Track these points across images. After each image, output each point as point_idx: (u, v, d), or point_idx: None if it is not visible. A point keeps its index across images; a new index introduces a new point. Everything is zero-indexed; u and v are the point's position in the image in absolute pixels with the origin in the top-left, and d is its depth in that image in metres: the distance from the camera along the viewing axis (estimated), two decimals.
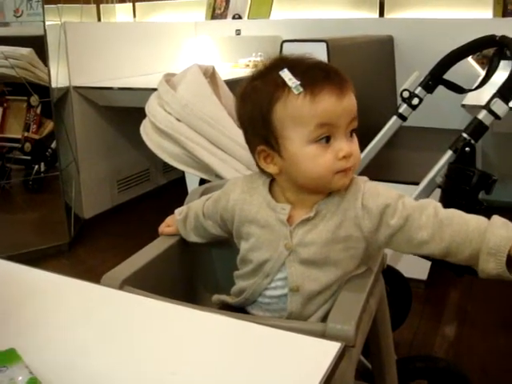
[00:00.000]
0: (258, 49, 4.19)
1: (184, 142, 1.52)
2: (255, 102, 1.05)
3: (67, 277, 0.97)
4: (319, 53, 2.53)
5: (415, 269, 2.30)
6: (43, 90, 3.54)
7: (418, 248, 1.02)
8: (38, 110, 4.07)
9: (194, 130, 1.52)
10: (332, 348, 0.73)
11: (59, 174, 3.26)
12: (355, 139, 1.04)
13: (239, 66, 4.09)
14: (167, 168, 4.11)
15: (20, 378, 0.62)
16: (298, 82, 0.99)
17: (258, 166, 1.10)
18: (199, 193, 1.33)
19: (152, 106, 1.58)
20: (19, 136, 4.08)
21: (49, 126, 4.11)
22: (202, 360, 0.72)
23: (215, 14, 4.31)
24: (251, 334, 0.79)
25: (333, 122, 0.99)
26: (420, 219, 1.00)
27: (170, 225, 1.29)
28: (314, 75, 1.00)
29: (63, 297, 0.90)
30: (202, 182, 2.01)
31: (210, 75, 1.69)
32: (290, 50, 2.59)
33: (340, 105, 0.99)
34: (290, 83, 0.99)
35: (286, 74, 1.00)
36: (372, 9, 4.15)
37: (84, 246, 3.26)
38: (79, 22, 3.98)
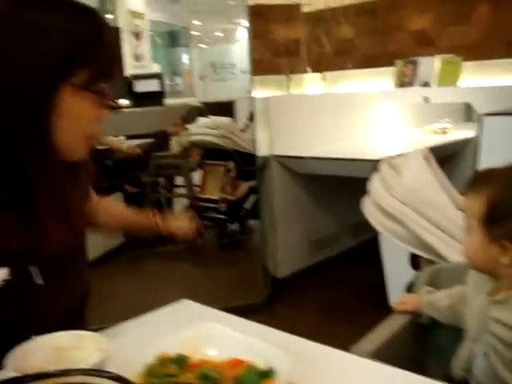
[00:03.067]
0: (445, 115, 4.25)
1: (408, 223, 1.63)
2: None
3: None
4: None
5: None
6: (241, 155, 3.85)
7: None
8: (234, 174, 4.41)
9: (417, 212, 1.63)
10: None
11: (260, 235, 3.49)
12: None
13: (427, 133, 4.16)
14: (356, 231, 4.25)
15: None
16: None
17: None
18: (427, 274, 1.43)
19: (376, 188, 1.72)
20: (216, 197, 4.44)
21: (243, 188, 4.43)
22: None
23: (402, 82, 4.43)
24: None
25: None
26: None
27: (406, 303, 1.39)
28: None
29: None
30: (408, 254, 2.11)
31: (427, 157, 1.80)
32: (490, 123, 2.62)
33: None
34: None
35: None
36: None
37: (280, 304, 3.43)
38: (281, 95, 4.31)
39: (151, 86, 2.79)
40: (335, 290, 3.58)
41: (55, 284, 1.09)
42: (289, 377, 0.86)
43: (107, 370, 0.84)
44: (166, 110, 2.99)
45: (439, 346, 1.41)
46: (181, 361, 0.92)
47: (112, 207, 1.47)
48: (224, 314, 1.24)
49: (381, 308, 3.05)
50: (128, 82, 2.81)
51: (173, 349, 0.94)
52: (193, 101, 3.35)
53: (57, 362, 0.91)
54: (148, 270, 3.54)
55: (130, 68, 3.91)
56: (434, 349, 1.42)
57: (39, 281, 0.95)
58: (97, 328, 1.21)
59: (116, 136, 4.25)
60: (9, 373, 0.83)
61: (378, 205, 1.70)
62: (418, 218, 1.63)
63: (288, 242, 3.76)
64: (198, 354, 0.95)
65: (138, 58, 5.20)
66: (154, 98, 2.82)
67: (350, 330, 3.04)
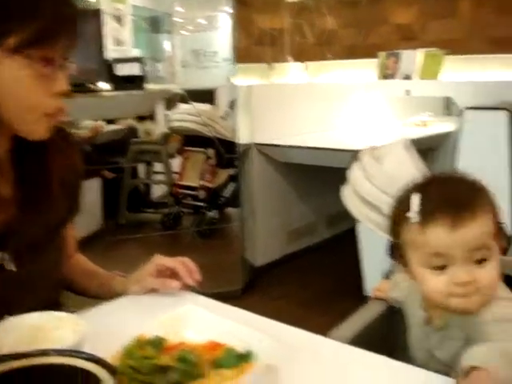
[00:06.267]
0: (427, 108, 4.28)
1: (388, 212, 1.64)
2: (395, 215, 1.14)
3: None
4: (499, 121, 2.54)
5: None
6: (221, 143, 3.84)
7: None
8: (214, 161, 4.40)
9: None
10: None
11: (240, 224, 3.48)
12: (487, 265, 1.01)
13: (408, 125, 4.19)
14: (334, 222, 4.27)
15: None
16: (416, 211, 1.02)
17: None
18: None
19: (357, 178, 1.73)
20: (195, 184, 4.42)
21: (223, 176, 4.42)
22: None
23: (385, 73, 4.45)
24: None
25: (445, 252, 1.00)
26: None
27: (381, 290, 1.40)
28: (431, 203, 1.02)
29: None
30: None
31: (407, 147, 1.80)
32: (471, 118, 2.64)
33: (452, 237, 0.99)
34: (411, 209, 1.03)
35: (414, 199, 1.04)
36: None
37: (257, 292, 3.45)
38: (263, 83, 4.30)
39: (132, 69, 2.76)
40: (312, 279, 3.60)
41: (29, 271, 1.07)
42: (267, 360, 0.86)
43: (84, 351, 0.83)
44: (147, 94, 2.96)
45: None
46: (158, 343, 0.91)
47: (88, 266, 1.37)
48: (202, 297, 1.24)
49: (357, 296, 3.10)
50: (108, 65, 2.78)
51: (151, 331, 0.94)
52: (174, 87, 3.32)
53: (32, 341, 0.90)
54: (126, 256, 3.52)
55: (110, 52, 3.87)
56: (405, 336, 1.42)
57: (11, 267, 0.92)
58: (74, 311, 1.20)
59: (96, 120, 4.21)
60: None
61: (357, 193, 1.71)
62: None
63: (266, 230, 3.77)
64: (176, 337, 0.94)
65: (119, 43, 5.15)
66: (135, 82, 2.80)
67: (326, 318, 3.05)
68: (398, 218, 1.10)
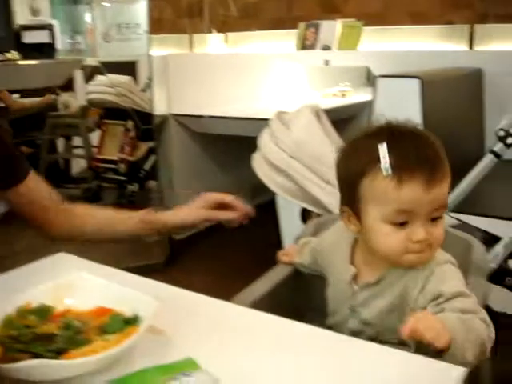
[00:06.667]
0: (345, 79, 4.30)
1: (296, 177, 1.64)
2: (350, 166, 1.08)
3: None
4: (411, 89, 2.58)
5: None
6: (140, 115, 3.76)
7: None
8: (133, 134, 4.31)
9: (305, 166, 1.64)
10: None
11: (160, 195, 3.44)
12: (440, 223, 1.04)
13: (327, 96, 4.20)
14: (255, 193, 4.25)
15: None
16: (388, 164, 0.98)
17: None
18: (312, 226, 1.44)
19: (265, 143, 1.71)
20: (115, 157, 4.33)
21: (142, 148, 4.34)
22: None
23: (305, 44, 4.45)
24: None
25: (414, 210, 1.00)
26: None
27: (288, 254, 1.39)
28: (408, 159, 1.00)
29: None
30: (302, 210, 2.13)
31: (317, 113, 1.80)
32: (384, 85, 2.66)
33: (426, 196, 0.99)
34: (382, 161, 0.99)
35: (382, 150, 0.99)
36: (461, 41, 4.19)
37: (176, 266, 3.42)
38: (180, 53, 4.22)
39: (41, 37, 2.64)
40: (233, 251, 3.58)
41: None
42: (153, 323, 0.83)
43: None
44: (58, 64, 2.85)
45: (316, 295, 1.42)
46: (43, 311, 0.88)
47: (93, 211, 1.33)
48: (101, 266, 1.20)
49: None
50: (16, 33, 2.65)
51: (37, 299, 0.90)
52: (90, 59, 3.21)
53: None
54: None
55: (25, 22, 3.71)
56: (314, 298, 1.43)
57: None
58: None
59: (7, 90, 4.04)
60: None
61: (266, 159, 1.70)
62: (306, 171, 1.64)
63: (186, 203, 3.72)
64: (62, 304, 0.91)
65: (35, 13, 4.96)
66: (44, 50, 2.68)
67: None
68: (356, 170, 1.05)
